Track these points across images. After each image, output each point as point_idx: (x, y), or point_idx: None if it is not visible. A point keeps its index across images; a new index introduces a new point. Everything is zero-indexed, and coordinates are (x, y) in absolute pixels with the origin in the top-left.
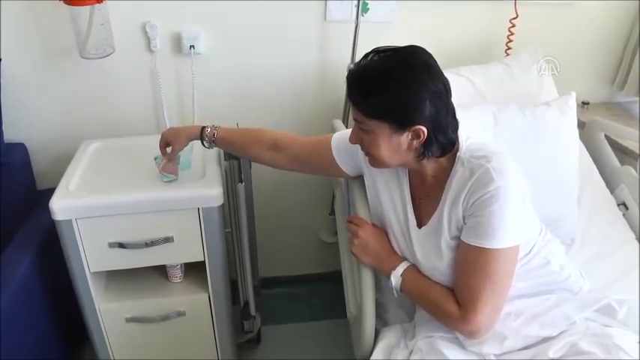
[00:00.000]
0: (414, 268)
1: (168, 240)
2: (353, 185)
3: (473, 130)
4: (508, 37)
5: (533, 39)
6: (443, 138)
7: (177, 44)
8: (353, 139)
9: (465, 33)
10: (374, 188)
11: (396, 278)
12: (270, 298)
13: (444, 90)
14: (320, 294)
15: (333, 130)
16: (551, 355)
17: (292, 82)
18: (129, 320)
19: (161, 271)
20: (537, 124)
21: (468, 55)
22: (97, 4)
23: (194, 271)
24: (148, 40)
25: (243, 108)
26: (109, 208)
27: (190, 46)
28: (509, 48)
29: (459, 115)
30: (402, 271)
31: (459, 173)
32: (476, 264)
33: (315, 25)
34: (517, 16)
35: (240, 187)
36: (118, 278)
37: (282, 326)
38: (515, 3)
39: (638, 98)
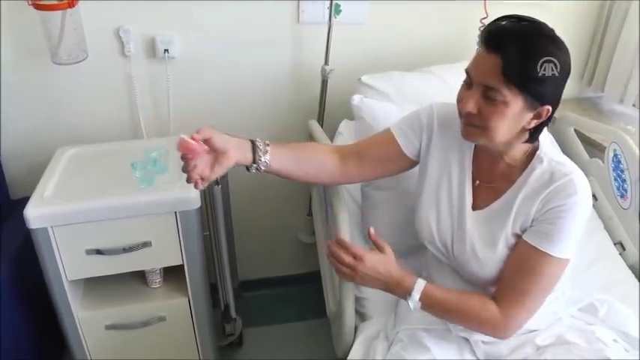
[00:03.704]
0: (431, 287)
1: (146, 245)
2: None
3: None
4: (478, 37)
5: None
6: (548, 124)
7: (152, 48)
8: (470, 106)
9: (436, 33)
10: (423, 169)
11: (414, 303)
12: (250, 300)
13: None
14: (300, 294)
15: (309, 131)
16: (538, 342)
17: (267, 83)
18: (108, 327)
19: (140, 276)
20: None
21: (439, 54)
22: (69, 9)
23: (173, 275)
24: (122, 45)
25: (220, 110)
26: (86, 215)
27: (164, 50)
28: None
29: None
30: (418, 295)
31: (536, 171)
32: (530, 264)
33: (288, 27)
34: (487, 16)
35: (217, 189)
36: (97, 285)
37: (264, 328)
38: (485, 3)
39: (603, 93)
